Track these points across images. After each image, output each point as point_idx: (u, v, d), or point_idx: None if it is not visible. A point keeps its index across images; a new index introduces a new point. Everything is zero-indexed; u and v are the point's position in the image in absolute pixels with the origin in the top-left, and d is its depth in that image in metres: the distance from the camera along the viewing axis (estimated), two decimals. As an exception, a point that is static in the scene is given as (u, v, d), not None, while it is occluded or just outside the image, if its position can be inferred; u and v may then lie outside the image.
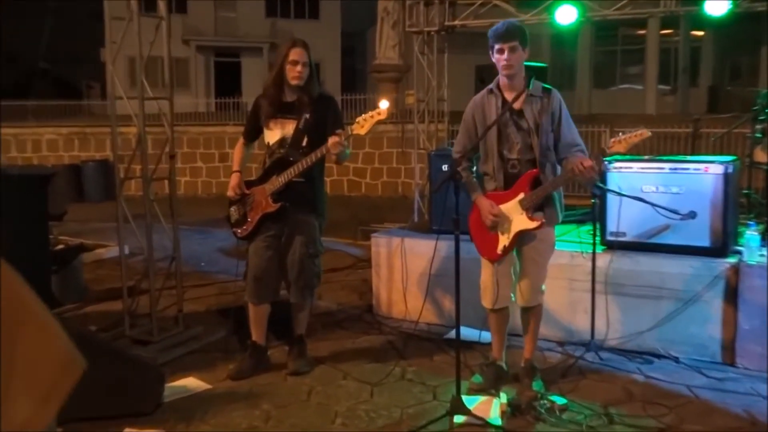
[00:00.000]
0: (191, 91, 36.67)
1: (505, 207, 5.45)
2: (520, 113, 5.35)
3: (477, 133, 5.45)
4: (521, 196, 5.39)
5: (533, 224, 5.41)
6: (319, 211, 6.04)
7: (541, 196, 5.35)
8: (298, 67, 5.75)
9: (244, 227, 6.00)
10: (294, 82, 5.77)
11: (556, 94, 5.34)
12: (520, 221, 5.43)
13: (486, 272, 5.65)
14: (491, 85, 5.43)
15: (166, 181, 7.34)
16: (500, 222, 5.44)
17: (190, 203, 20.15)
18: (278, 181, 5.85)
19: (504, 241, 5.48)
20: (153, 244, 7.07)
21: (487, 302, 5.74)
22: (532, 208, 5.42)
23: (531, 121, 5.29)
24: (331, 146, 5.47)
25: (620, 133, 5.07)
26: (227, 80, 38.54)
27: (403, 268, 8.07)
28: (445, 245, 7.56)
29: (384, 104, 5.43)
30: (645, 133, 5.01)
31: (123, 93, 6.95)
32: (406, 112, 20.91)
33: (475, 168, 5.59)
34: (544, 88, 5.37)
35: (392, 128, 21.78)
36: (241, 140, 6.29)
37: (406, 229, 8.97)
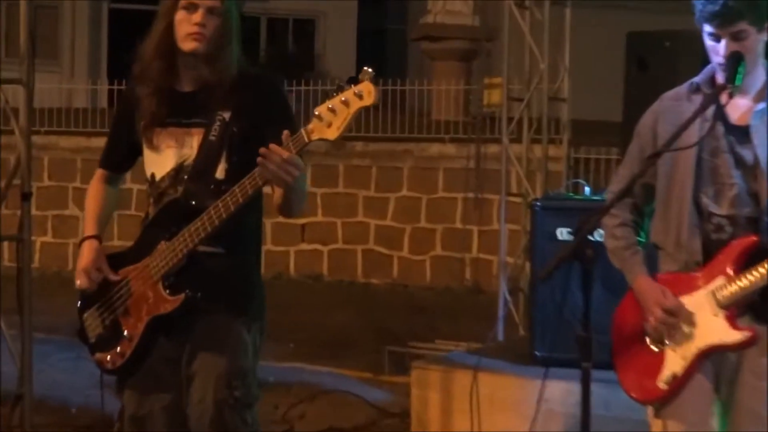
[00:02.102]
0: (64, 66, 26.67)
1: (688, 300, 4.23)
2: (744, 133, 4.22)
3: (657, 162, 4.36)
4: (720, 281, 4.14)
5: (739, 336, 4.13)
6: (251, 309, 4.47)
7: (759, 285, 4.08)
8: (197, 16, 4.25)
9: (117, 350, 4.44)
10: (188, 47, 4.27)
11: None
12: (713, 328, 4.18)
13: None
14: (698, 78, 4.35)
15: (11, 245, 6.55)
16: (674, 327, 4.23)
17: (53, 287, 14.01)
18: (173, 250, 4.27)
19: (675, 364, 4.22)
20: None
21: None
22: (740, 307, 4.13)
23: (762, 150, 4.15)
24: (264, 169, 3.98)
25: None
26: (134, 47, 26.23)
27: (476, 433, 6.37)
28: (562, 389, 5.86)
29: (367, 75, 3.92)
30: None
31: None
32: (485, 121, 14.73)
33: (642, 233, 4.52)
34: None
35: (454, 151, 15.62)
36: (98, 172, 4.76)
37: (483, 354, 7.06)
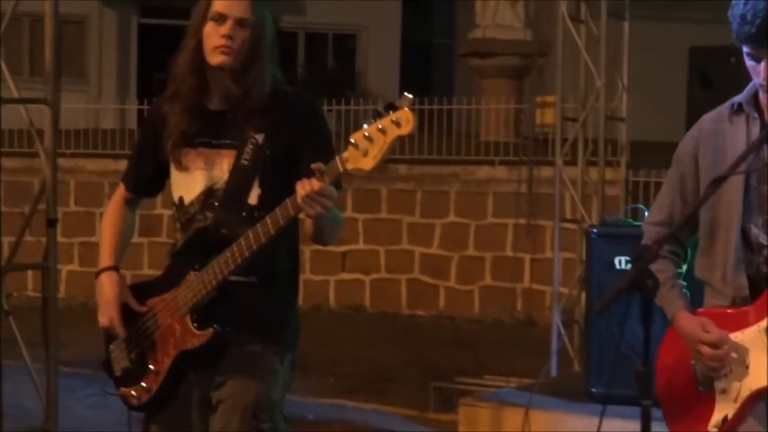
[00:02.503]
0: (90, 85, 26.34)
1: (739, 337, 4.18)
2: None
3: (698, 191, 4.35)
4: (772, 318, 4.18)
5: None
6: (284, 339, 4.43)
7: None
8: (225, 28, 4.18)
9: (143, 385, 4.41)
10: (215, 61, 4.20)
11: None
12: (766, 368, 4.10)
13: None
14: (740, 98, 4.30)
15: (35, 274, 5.68)
16: (723, 366, 4.14)
17: (79, 318, 13.99)
18: (203, 281, 4.23)
19: (726, 407, 4.16)
20: (3, 402, 6.05)
21: None
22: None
23: None
24: (303, 199, 3.92)
25: None
26: (165, 65, 26.87)
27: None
28: (620, 429, 5.51)
29: (406, 101, 3.86)
30: None
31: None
32: (538, 142, 14.99)
33: (684, 265, 4.47)
34: None
35: (505, 174, 15.65)
36: (120, 191, 4.67)
37: (535, 391, 7.22)
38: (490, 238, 15.62)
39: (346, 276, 16.08)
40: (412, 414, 9.73)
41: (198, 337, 4.28)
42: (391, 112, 3.83)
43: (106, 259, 4.53)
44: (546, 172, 13.54)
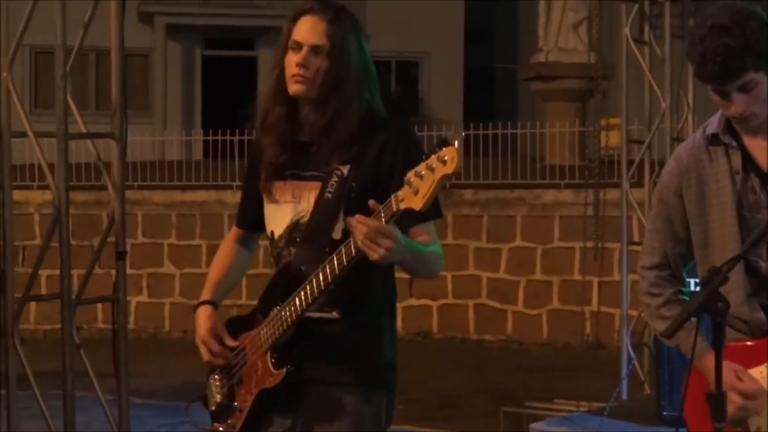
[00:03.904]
0: (156, 117, 26.17)
1: (760, 373, 4.05)
2: None
3: (688, 227, 4.18)
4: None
5: None
6: (371, 378, 4.20)
7: None
8: (299, 56, 4.04)
9: (230, 422, 4.29)
10: (291, 90, 4.08)
11: None
12: None
13: None
14: (713, 127, 4.12)
15: (105, 306, 5.58)
16: (751, 408, 4.00)
17: (149, 349, 15.25)
18: (281, 318, 4.08)
19: None
20: None
21: None
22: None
23: None
24: (360, 241, 3.76)
25: None
26: (229, 96, 25.30)
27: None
28: None
29: (458, 138, 3.72)
30: None
31: (24, 121, 6.00)
32: (604, 164, 13.99)
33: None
34: None
35: (571, 197, 15.50)
36: (233, 228, 4.58)
37: (606, 415, 7.23)
38: (557, 262, 15.58)
39: (413, 302, 15.90)
40: (479, 437, 9.79)
41: (274, 376, 4.15)
42: (439, 149, 3.65)
43: (205, 293, 4.43)
44: (612, 194, 12.84)
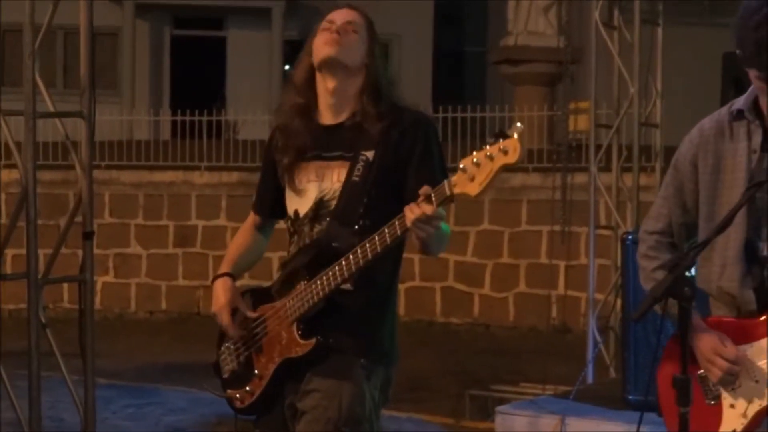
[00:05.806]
0: (124, 97, 25.89)
1: (749, 350, 4.09)
2: None
3: (697, 199, 4.26)
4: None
5: None
6: (378, 352, 4.47)
7: None
8: (334, 27, 4.33)
9: (248, 389, 4.51)
10: (324, 53, 4.30)
11: None
12: None
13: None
14: (739, 104, 4.16)
15: (71, 287, 5.57)
16: (735, 379, 4.08)
17: (115, 330, 15.01)
18: (311, 292, 4.30)
19: (735, 422, 4.08)
20: (42, 415, 5.98)
21: None
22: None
23: None
24: (412, 222, 3.96)
25: None
26: (198, 76, 26.60)
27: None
28: None
29: (517, 130, 3.87)
30: None
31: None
32: (572, 148, 14.38)
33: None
34: None
35: (539, 181, 15.65)
36: (250, 215, 4.79)
37: (571, 398, 7.27)
38: (524, 246, 15.62)
39: (380, 285, 15.98)
40: (448, 422, 9.83)
41: (302, 347, 4.35)
42: (501, 140, 3.84)
43: (223, 266, 4.62)
44: (580, 178, 12.95)
